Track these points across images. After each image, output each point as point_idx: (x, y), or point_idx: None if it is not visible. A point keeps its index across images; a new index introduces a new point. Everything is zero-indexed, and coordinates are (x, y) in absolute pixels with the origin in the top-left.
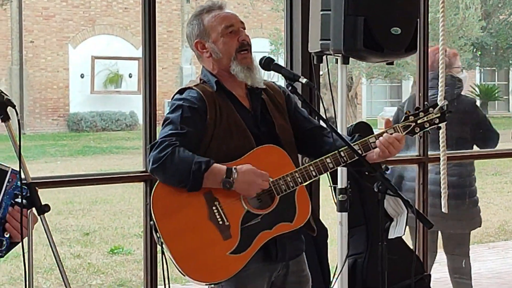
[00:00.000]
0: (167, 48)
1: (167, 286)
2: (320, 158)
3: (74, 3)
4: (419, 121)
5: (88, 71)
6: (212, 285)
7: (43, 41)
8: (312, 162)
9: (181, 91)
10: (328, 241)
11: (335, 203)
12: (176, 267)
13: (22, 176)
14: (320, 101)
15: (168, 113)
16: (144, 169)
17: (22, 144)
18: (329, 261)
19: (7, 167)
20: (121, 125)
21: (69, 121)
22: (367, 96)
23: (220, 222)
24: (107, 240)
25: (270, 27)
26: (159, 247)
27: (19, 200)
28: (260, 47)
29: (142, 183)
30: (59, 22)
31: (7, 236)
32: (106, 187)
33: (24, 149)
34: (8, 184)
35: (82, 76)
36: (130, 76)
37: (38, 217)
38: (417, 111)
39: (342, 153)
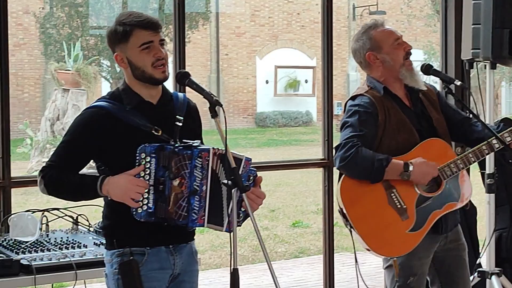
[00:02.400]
0: (336, 58)
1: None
2: (477, 146)
3: (260, 23)
4: None
5: (272, 78)
6: (395, 258)
7: (236, 54)
8: (470, 150)
9: (353, 98)
10: (477, 217)
11: (484, 186)
12: (365, 246)
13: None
14: (472, 100)
15: (346, 118)
16: (323, 157)
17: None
18: (478, 234)
19: (241, 155)
20: (299, 122)
21: (257, 118)
22: (506, 96)
23: (398, 206)
24: (289, 215)
25: (423, 40)
26: (335, 221)
27: (227, 182)
28: (415, 57)
29: (321, 168)
30: (248, 38)
31: (243, 210)
32: (288, 172)
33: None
34: (243, 169)
35: (267, 82)
36: (306, 81)
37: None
38: None
39: (494, 141)
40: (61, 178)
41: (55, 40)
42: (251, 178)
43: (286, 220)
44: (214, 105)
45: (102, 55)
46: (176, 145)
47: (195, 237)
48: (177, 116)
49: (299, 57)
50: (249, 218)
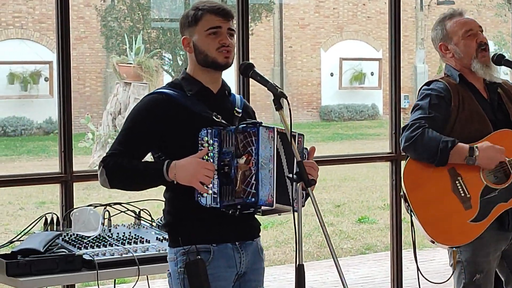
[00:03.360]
0: (403, 50)
1: (414, 250)
2: None
3: (325, 14)
4: None
5: (337, 70)
6: (454, 248)
7: (300, 46)
8: None
9: (428, 83)
10: None
11: None
12: (424, 232)
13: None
14: None
15: (417, 101)
16: (390, 151)
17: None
18: None
19: (293, 132)
20: (364, 115)
21: (321, 112)
22: None
23: (462, 194)
24: (355, 211)
25: (494, 30)
26: (403, 217)
27: (292, 176)
28: None
29: (388, 162)
30: (312, 30)
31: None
32: (354, 167)
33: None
34: (297, 145)
35: (331, 74)
36: (372, 74)
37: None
38: None
39: None
40: (124, 166)
41: (116, 33)
42: (305, 155)
43: (352, 215)
44: (279, 97)
45: (164, 48)
46: (239, 124)
47: (260, 234)
48: (236, 109)
49: (365, 49)
50: (313, 212)
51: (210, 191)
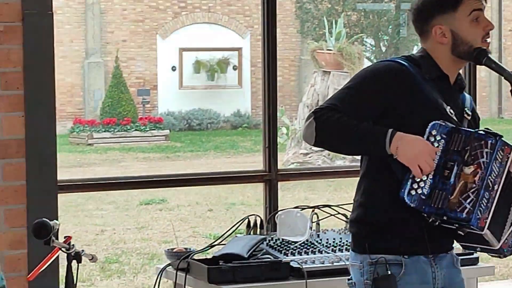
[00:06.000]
0: None
1: None
2: None
3: None
4: None
5: None
6: None
7: None
8: None
9: None
10: None
11: None
12: None
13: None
14: None
15: None
16: None
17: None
18: None
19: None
20: None
21: None
22: None
23: None
24: None
25: None
26: None
27: None
28: None
29: None
30: None
31: None
32: None
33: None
34: None
35: None
36: None
37: None
38: None
39: None
40: (341, 120)
41: (313, 16)
42: None
43: None
44: None
45: (365, 33)
46: (476, 130)
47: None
48: (466, 109)
49: None
50: None
51: (420, 190)
